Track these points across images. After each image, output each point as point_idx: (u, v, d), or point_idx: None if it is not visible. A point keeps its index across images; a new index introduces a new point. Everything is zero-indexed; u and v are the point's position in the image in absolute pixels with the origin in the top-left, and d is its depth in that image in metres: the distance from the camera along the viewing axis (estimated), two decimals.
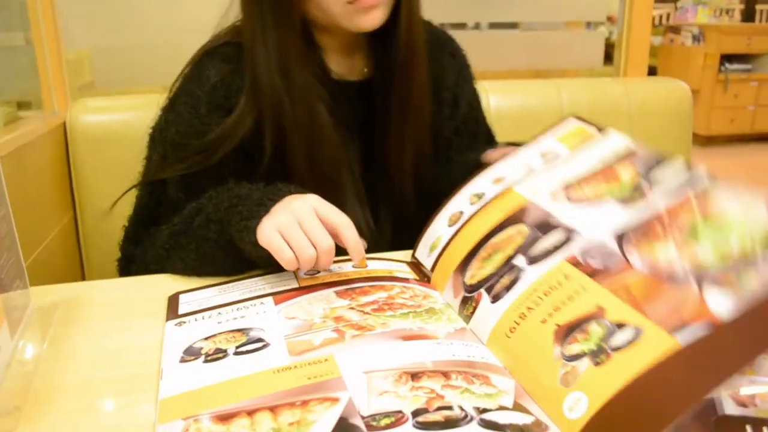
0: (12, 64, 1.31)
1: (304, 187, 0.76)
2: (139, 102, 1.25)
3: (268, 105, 0.84)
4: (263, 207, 0.71)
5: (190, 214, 0.80)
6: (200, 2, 1.42)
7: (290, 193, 0.74)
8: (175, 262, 0.80)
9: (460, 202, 0.78)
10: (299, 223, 0.68)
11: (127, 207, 0.93)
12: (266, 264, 0.73)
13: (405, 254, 0.82)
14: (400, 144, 0.92)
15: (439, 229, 0.77)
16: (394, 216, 0.97)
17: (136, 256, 0.89)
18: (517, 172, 0.77)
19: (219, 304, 0.70)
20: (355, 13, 0.82)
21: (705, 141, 5.33)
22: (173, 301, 0.72)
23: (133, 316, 0.70)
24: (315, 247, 0.67)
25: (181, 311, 0.69)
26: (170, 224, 0.83)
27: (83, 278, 1.27)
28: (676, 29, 5.53)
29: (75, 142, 1.22)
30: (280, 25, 0.82)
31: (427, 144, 0.95)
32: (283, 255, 0.67)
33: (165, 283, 0.78)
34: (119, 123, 1.24)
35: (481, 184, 0.79)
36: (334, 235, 0.69)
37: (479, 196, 0.76)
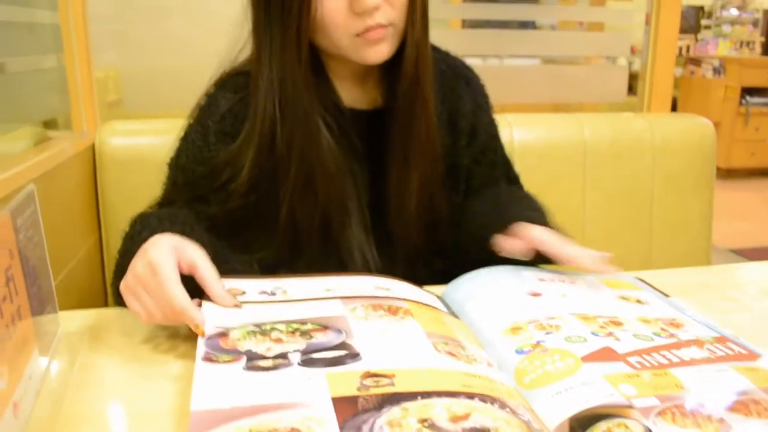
0: (42, 84, 1.33)
1: (304, 213, 0.82)
2: (167, 126, 1.26)
3: (263, 130, 0.86)
4: (125, 258, 0.72)
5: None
6: (228, 27, 1.45)
7: (147, 239, 0.71)
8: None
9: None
10: (143, 288, 0.67)
11: None
12: None
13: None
14: (404, 176, 0.92)
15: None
16: (404, 247, 0.97)
17: None
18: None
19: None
20: (362, 45, 0.83)
21: (725, 174, 5.30)
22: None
23: (160, 342, 0.71)
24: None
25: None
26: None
27: (106, 300, 1.28)
28: (696, 61, 5.53)
29: (103, 164, 1.24)
30: (286, 51, 0.83)
31: (435, 177, 0.95)
32: (140, 317, 0.67)
33: None
34: (147, 146, 1.26)
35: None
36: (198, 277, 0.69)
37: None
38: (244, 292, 0.71)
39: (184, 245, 0.70)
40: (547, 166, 1.36)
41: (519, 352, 0.63)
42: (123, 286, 0.69)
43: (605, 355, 0.61)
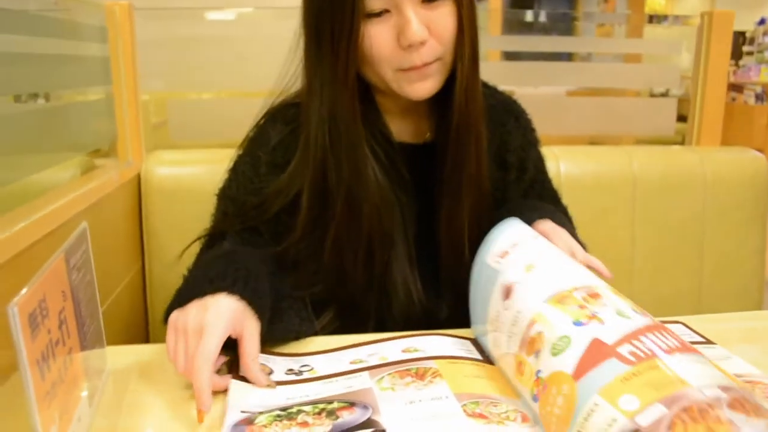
0: (90, 114, 1.35)
1: (349, 244, 0.82)
2: (212, 156, 1.28)
3: (316, 162, 0.86)
4: (180, 298, 0.72)
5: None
6: (275, 60, 1.46)
7: (216, 290, 0.71)
8: None
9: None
10: (186, 336, 0.68)
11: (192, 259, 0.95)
12: None
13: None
14: (454, 211, 0.91)
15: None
16: (453, 282, 0.95)
17: None
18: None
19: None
20: (405, 80, 0.83)
21: None
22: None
23: None
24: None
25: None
26: None
27: (147, 328, 1.28)
28: (738, 87, 5.44)
29: (148, 193, 1.25)
30: (336, 82, 0.82)
31: (486, 212, 0.93)
32: (168, 354, 0.68)
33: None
34: (191, 176, 1.27)
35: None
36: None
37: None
38: (272, 371, 0.71)
39: (242, 317, 0.70)
40: (595, 200, 1.33)
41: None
42: (172, 319, 0.70)
43: (595, 354, 0.55)
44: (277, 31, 1.59)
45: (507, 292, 0.68)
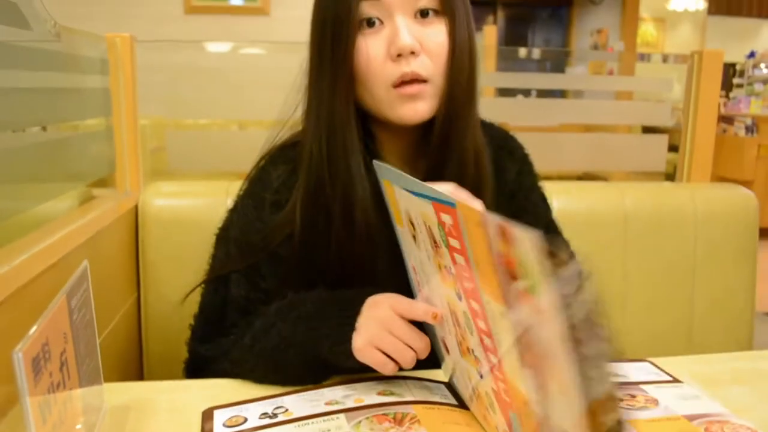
0: (88, 145, 1.36)
1: (340, 269, 0.84)
2: (210, 188, 1.29)
3: (309, 170, 0.86)
4: (348, 327, 0.74)
5: (260, 331, 0.82)
6: (273, 91, 1.48)
7: (362, 302, 0.75)
8: (246, 376, 0.82)
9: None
10: (390, 332, 0.72)
11: (191, 296, 0.95)
12: (359, 371, 0.76)
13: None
14: None
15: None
16: None
17: (204, 361, 0.89)
18: None
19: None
20: (397, 100, 0.83)
21: (760, 234, 5.20)
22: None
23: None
24: (411, 347, 0.72)
25: None
26: (239, 341, 0.84)
27: (141, 360, 1.28)
28: (729, 119, 5.49)
29: (145, 225, 1.26)
30: (335, 96, 0.83)
31: None
32: (385, 368, 0.72)
33: (232, 388, 0.78)
34: (189, 208, 1.28)
35: None
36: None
37: None
38: (245, 419, 0.70)
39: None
40: (587, 236, 1.34)
41: None
42: (367, 341, 0.73)
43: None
44: (275, 64, 1.62)
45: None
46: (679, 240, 1.40)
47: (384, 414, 0.68)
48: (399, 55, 0.81)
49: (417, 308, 0.73)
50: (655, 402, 0.72)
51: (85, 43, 1.28)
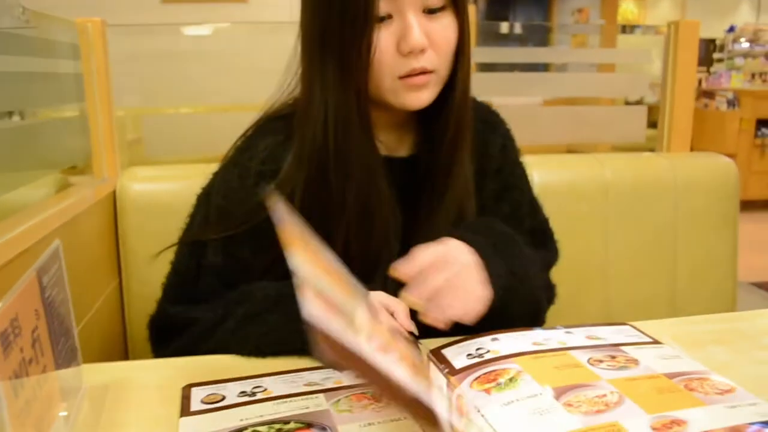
0: (64, 131, 1.34)
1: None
2: (188, 172, 1.27)
3: (311, 161, 0.85)
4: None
5: (235, 323, 0.82)
6: (253, 75, 1.46)
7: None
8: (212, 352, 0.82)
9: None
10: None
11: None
12: None
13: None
14: (438, 224, 0.91)
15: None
16: None
17: (171, 322, 0.89)
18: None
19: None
20: (403, 89, 0.83)
21: (741, 206, 5.22)
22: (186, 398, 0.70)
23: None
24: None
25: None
26: (216, 319, 0.84)
27: (126, 346, 1.28)
28: (710, 94, 5.53)
29: (124, 210, 1.25)
30: (346, 90, 0.82)
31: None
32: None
33: (217, 363, 0.78)
34: (168, 192, 1.26)
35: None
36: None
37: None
38: (223, 397, 0.69)
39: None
40: (569, 208, 1.35)
41: None
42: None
43: None
44: (253, 46, 1.60)
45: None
46: (660, 209, 1.40)
47: (363, 393, 0.68)
48: (409, 51, 0.80)
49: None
50: (636, 362, 0.72)
51: (55, 27, 1.26)
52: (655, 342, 0.79)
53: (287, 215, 0.57)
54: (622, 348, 0.76)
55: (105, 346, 1.18)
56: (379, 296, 0.79)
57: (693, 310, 1.43)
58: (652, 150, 1.60)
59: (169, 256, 0.95)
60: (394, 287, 0.90)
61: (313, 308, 0.46)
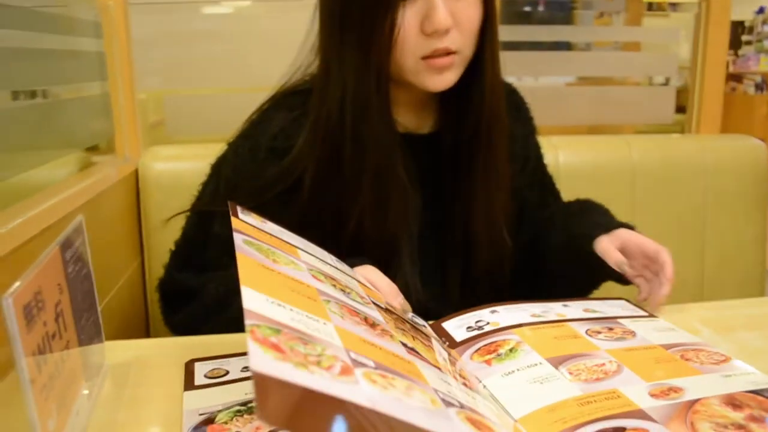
0: (86, 110, 1.34)
1: (358, 242, 0.82)
2: (210, 151, 1.25)
3: (325, 141, 0.84)
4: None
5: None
6: (272, 55, 1.45)
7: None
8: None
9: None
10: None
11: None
12: None
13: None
14: (490, 207, 0.91)
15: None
16: (491, 277, 0.94)
17: (176, 288, 0.91)
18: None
19: None
20: (425, 70, 0.81)
21: None
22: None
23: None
24: None
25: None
26: (219, 296, 0.84)
27: (147, 324, 1.28)
28: (737, 77, 5.42)
29: (146, 189, 1.25)
30: (367, 70, 0.81)
31: (505, 207, 0.93)
32: None
33: (240, 339, 0.77)
34: (189, 171, 1.26)
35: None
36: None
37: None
38: (227, 372, 0.69)
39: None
40: (594, 190, 1.31)
41: None
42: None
43: None
44: (275, 25, 1.59)
45: None
46: (689, 192, 1.38)
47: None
48: (434, 31, 0.78)
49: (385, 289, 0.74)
50: (633, 333, 0.73)
51: (78, 5, 1.26)
52: (651, 316, 0.81)
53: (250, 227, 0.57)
54: (619, 320, 0.78)
55: (127, 324, 1.19)
56: (364, 271, 0.76)
57: (720, 295, 1.41)
58: (678, 132, 1.57)
59: (182, 222, 0.97)
60: (413, 271, 0.89)
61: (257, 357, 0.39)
